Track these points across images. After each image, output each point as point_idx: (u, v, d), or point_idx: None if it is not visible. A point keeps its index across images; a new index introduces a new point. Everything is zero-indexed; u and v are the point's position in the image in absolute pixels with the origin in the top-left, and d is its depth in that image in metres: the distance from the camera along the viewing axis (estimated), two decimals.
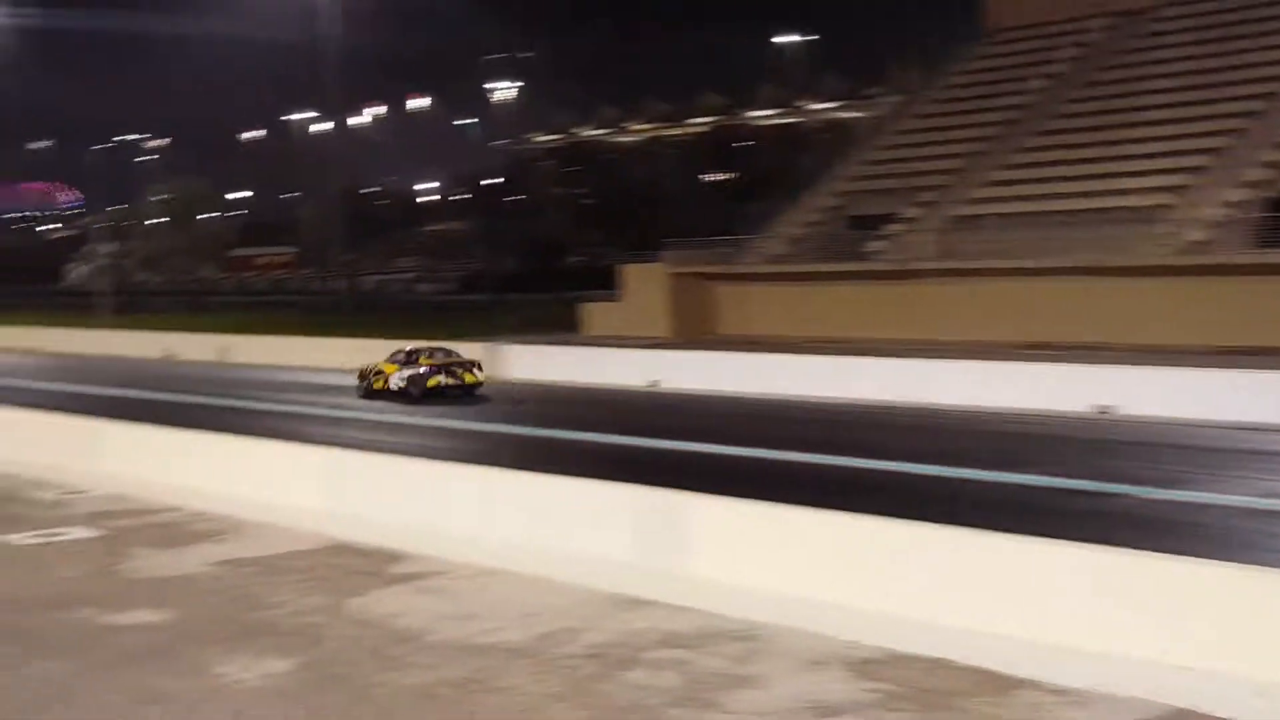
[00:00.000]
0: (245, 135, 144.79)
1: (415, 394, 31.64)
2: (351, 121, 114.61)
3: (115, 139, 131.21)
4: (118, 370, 41.50)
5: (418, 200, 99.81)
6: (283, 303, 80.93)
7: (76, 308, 68.93)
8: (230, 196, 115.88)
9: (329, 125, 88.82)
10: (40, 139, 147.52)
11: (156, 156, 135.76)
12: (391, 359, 32.93)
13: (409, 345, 33.58)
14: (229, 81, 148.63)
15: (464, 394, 31.84)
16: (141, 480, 18.23)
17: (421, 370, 32.10)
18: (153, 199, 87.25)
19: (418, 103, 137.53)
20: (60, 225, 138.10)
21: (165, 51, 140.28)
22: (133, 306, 74.88)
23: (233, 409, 30.27)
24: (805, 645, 10.63)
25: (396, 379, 32.31)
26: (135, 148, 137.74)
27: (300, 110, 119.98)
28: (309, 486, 16.67)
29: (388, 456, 17.62)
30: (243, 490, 17.08)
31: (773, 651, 10.54)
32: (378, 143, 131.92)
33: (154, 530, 15.83)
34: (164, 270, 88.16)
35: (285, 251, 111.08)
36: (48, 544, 15.19)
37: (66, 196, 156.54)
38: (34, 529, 15.93)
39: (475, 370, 32.52)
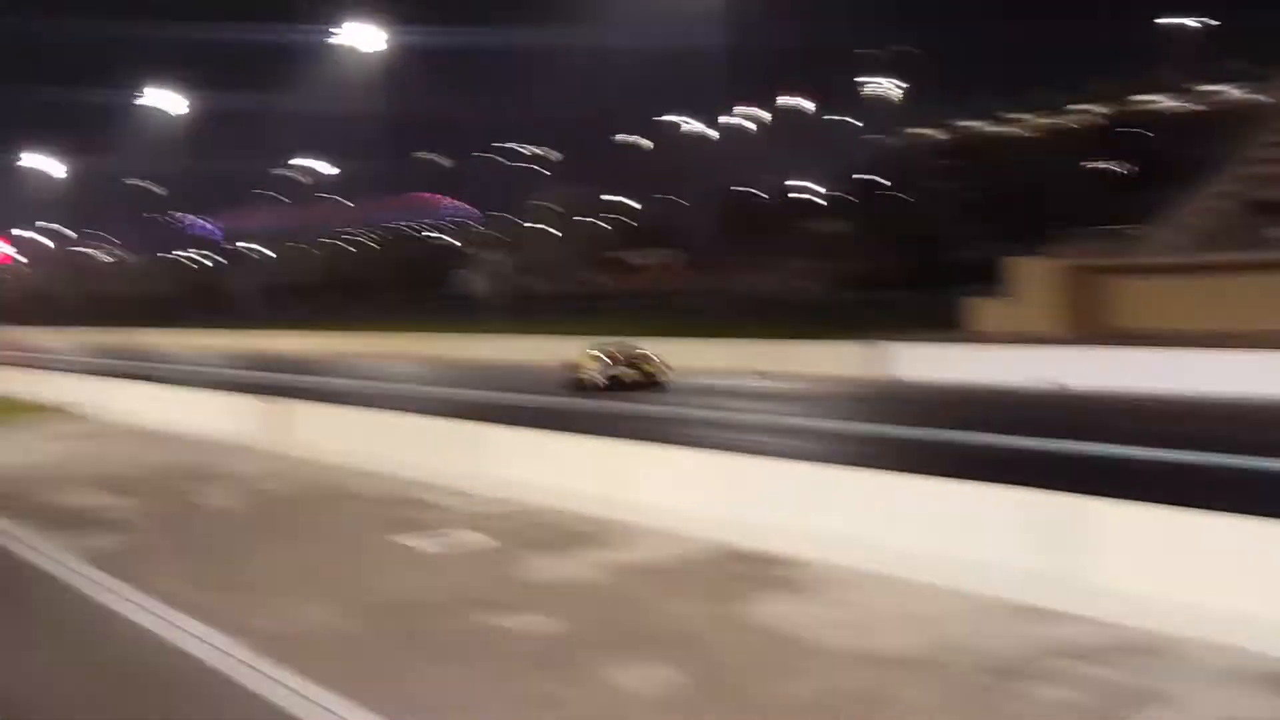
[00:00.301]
0: (626, 139, 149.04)
1: (605, 385, 35.22)
2: (730, 122, 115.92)
3: (500, 146, 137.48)
4: (510, 376, 42.92)
5: (796, 199, 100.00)
6: (664, 305, 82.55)
7: (465, 314, 72.16)
8: (612, 200, 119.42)
9: (708, 127, 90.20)
10: (429, 150, 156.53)
11: (540, 164, 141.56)
12: (590, 355, 36.55)
13: (604, 342, 37.35)
14: (611, 88, 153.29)
15: (650, 386, 35.06)
16: (528, 484, 18.58)
17: (609, 365, 35.70)
18: (537, 205, 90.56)
19: (795, 101, 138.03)
20: (449, 234, 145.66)
21: (547, 61, 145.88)
22: (520, 312, 77.97)
23: (620, 414, 30.64)
24: (1217, 658, 9.88)
25: (591, 373, 36.01)
26: (520, 156, 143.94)
27: (680, 113, 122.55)
28: (694, 490, 16.58)
29: (773, 460, 17.30)
30: (630, 495, 17.14)
31: (1183, 664, 9.84)
32: (756, 143, 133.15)
33: (542, 534, 16.08)
34: (549, 276, 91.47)
35: (667, 254, 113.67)
36: (443, 548, 15.62)
37: (455, 206, 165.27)
38: (424, 531, 16.44)
39: (659, 365, 35.74)
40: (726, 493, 16.22)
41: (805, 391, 34.09)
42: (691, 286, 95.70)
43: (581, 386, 35.89)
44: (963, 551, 13.05)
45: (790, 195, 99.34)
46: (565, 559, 14.65)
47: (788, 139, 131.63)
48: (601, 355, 36.45)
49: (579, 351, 37.31)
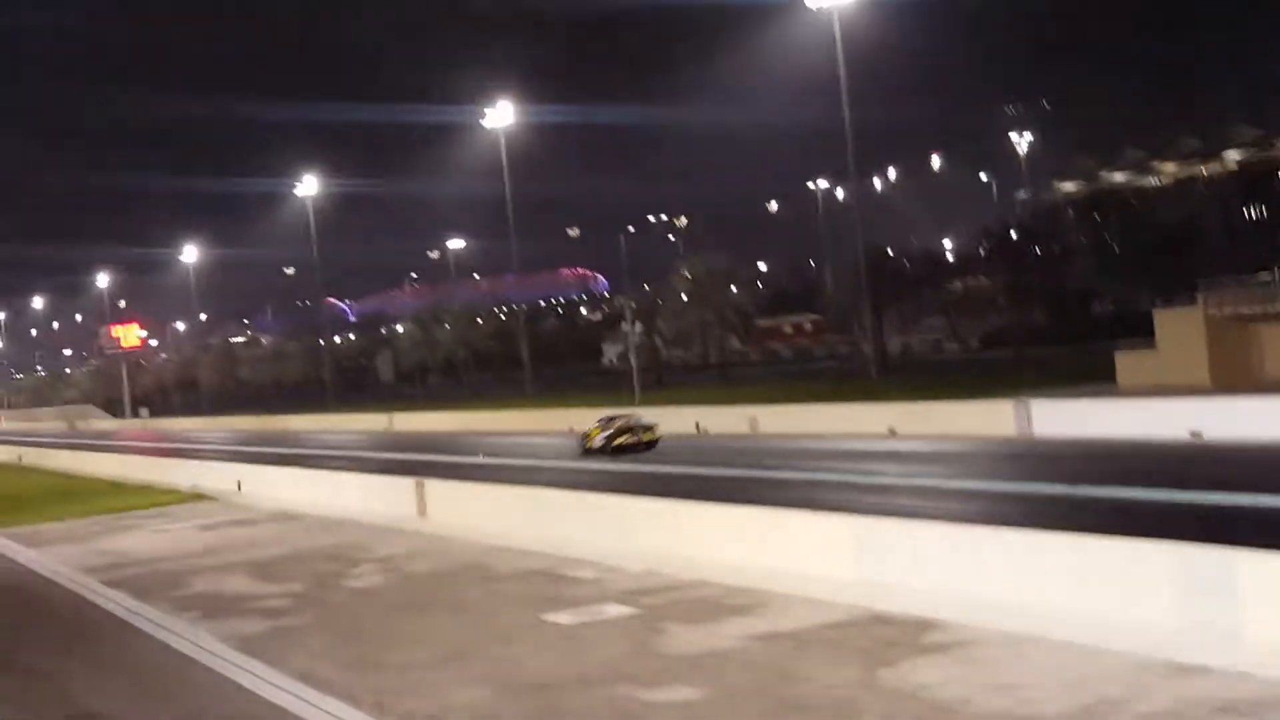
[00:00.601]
0: (766, 206, 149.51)
1: (608, 449, 40.22)
2: (870, 184, 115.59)
3: (637, 217, 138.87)
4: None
5: (939, 258, 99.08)
6: (809, 370, 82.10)
7: (612, 387, 72.40)
8: (753, 267, 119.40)
9: (848, 190, 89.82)
10: (567, 225, 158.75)
11: (677, 233, 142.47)
12: (596, 424, 42.03)
13: (605, 413, 43.72)
14: (746, 155, 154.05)
15: (644, 449, 40.29)
16: (674, 556, 18.43)
17: (611, 432, 40.96)
18: (678, 276, 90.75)
19: (932, 160, 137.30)
20: (587, 307, 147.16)
21: (683, 131, 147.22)
22: (665, 382, 78.04)
23: (763, 480, 30.46)
24: None
25: (599, 439, 41.11)
26: (661, 227, 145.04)
27: (819, 177, 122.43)
28: (838, 556, 16.33)
29: (915, 522, 17.00)
30: (773, 562, 16.93)
31: None
32: (897, 203, 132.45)
33: (687, 605, 15.88)
34: (691, 345, 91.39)
35: (809, 319, 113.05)
36: (586, 622, 15.52)
37: (593, 279, 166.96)
38: (573, 607, 16.34)
39: (652, 430, 41.12)
40: (869, 556, 15.97)
41: (946, 451, 33.55)
42: (832, 350, 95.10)
43: (589, 450, 40.97)
44: (1112, 608, 12.71)
45: (930, 254, 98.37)
46: (710, 629, 14.45)
47: (926, 198, 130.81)
48: (602, 422, 42.21)
49: (590, 422, 43.03)
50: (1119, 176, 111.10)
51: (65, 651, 16.88)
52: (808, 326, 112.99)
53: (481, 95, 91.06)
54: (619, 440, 40.60)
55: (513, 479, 32.14)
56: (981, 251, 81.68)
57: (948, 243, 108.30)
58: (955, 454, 33.07)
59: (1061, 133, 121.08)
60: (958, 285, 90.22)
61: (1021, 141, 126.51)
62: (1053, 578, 13.61)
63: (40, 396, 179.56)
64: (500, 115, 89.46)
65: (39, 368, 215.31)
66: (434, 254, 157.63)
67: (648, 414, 47.73)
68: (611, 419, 42.30)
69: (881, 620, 13.97)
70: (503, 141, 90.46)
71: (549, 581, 18.37)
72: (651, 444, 40.61)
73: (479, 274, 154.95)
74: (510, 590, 18.06)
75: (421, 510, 26.72)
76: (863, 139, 71.19)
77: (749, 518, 18.90)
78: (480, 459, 41.79)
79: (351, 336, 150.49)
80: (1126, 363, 45.28)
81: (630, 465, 37.04)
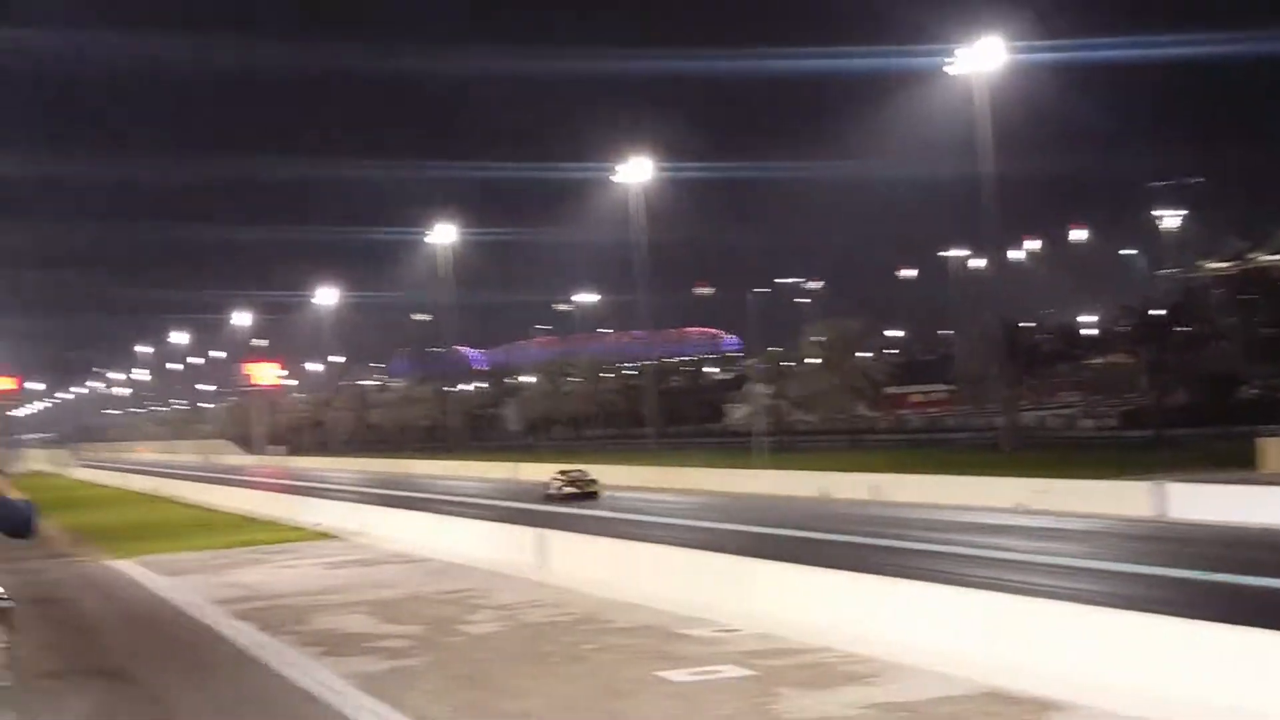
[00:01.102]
0: (899, 272, 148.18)
1: (557, 497, 50.19)
2: (1008, 254, 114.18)
3: (767, 277, 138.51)
4: (772, 509, 42.56)
5: (1078, 333, 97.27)
6: (939, 440, 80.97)
7: (736, 448, 72.19)
8: (881, 332, 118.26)
9: (984, 260, 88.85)
10: (697, 283, 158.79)
11: (808, 296, 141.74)
12: (555, 475, 52.85)
13: (561, 467, 54.56)
14: (882, 221, 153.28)
15: (587, 497, 50.05)
16: (792, 620, 18.25)
17: (560, 483, 51.66)
18: (808, 340, 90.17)
19: (1077, 233, 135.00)
20: (714, 366, 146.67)
21: (817, 193, 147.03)
22: (789, 446, 77.54)
23: (884, 548, 30.17)
24: None
25: (555, 488, 51.52)
26: (791, 290, 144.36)
27: (955, 246, 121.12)
28: (961, 629, 16.02)
29: (1043, 600, 16.65)
30: (892, 631, 16.68)
31: None
32: (1036, 275, 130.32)
33: (804, 671, 15.69)
34: (819, 410, 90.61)
35: (940, 389, 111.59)
36: (701, 681, 15.38)
37: (721, 337, 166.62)
38: (688, 665, 16.23)
39: (593, 483, 51.83)
40: (992, 631, 15.67)
41: (1076, 529, 32.86)
42: (963, 422, 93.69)
43: (550, 498, 50.40)
44: (1240, 700, 12.29)
45: (1067, 327, 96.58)
46: (825, 696, 14.26)
47: (1066, 271, 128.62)
48: (560, 476, 52.53)
49: (550, 474, 53.97)
50: (1270, 258, 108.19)
51: (193, 680, 17.23)
52: (939, 396, 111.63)
53: (615, 150, 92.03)
54: (567, 490, 51.08)
55: (630, 533, 32.25)
56: (1122, 328, 79.96)
57: (1086, 317, 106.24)
58: (1086, 532, 32.34)
59: (1209, 211, 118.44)
60: (1096, 361, 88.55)
61: (1168, 217, 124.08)
62: (1180, 665, 13.21)
63: (180, 429, 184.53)
64: (633, 170, 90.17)
65: (178, 402, 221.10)
66: (562, 306, 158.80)
67: (769, 476, 48.11)
68: (565, 472, 53.23)
69: (1001, 698, 13.65)
70: (635, 197, 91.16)
71: (664, 638, 18.27)
72: (593, 494, 50.99)
73: (607, 328, 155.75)
74: (625, 644, 18.00)
75: (541, 560, 26.82)
76: (1002, 207, 70.40)
77: (869, 585, 18.66)
78: (604, 513, 42.08)
79: (480, 384, 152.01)
80: (1269, 449, 44.04)
81: (749, 527, 36.90)
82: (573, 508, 46.04)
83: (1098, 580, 24.13)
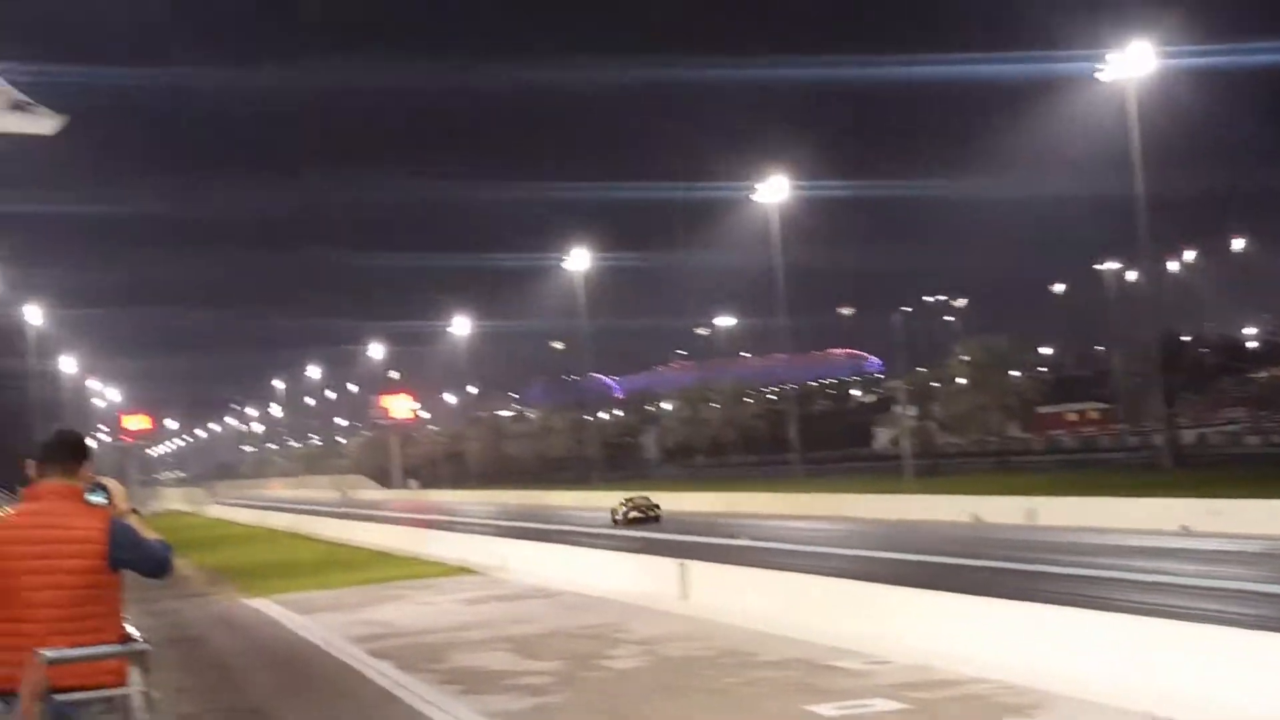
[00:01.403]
0: (1050, 287, 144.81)
1: (622, 522, 54.03)
2: (1164, 265, 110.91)
3: (911, 296, 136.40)
4: (922, 535, 41.61)
5: (1242, 346, 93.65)
6: (1095, 460, 78.66)
7: (883, 472, 70.92)
8: (1032, 350, 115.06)
9: (1140, 273, 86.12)
10: (839, 303, 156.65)
11: (954, 314, 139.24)
12: (619, 502, 56.54)
13: (627, 494, 58.38)
14: (1029, 235, 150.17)
15: (650, 521, 53.89)
16: (944, 650, 17.38)
17: (626, 508, 55.22)
18: (955, 359, 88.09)
19: (1237, 243, 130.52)
20: (858, 389, 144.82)
21: (962, 209, 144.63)
22: (937, 469, 75.87)
23: (1039, 574, 29.10)
24: None
25: (618, 514, 55.13)
26: (937, 307, 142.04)
27: (1107, 257, 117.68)
28: (1120, 658, 15.03)
29: (1210, 627, 15.60)
30: (1050, 662, 15.79)
31: None
32: (1195, 287, 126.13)
33: (960, 704, 14.85)
34: (968, 431, 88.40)
35: (1094, 406, 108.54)
36: (852, 716, 14.64)
37: (865, 359, 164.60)
38: (837, 699, 15.46)
39: (655, 508, 55.67)
40: (1154, 660, 14.74)
41: (1247, 551, 31.50)
42: (1119, 441, 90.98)
43: (614, 522, 54.06)
44: None
45: (1230, 340, 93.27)
46: None
47: (1224, 281, 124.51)
48: (626, 502, 55.95)
49: (616, 500, 57.43)
50: None
51: (331, 718, 16.99)
52: (1093, 415, 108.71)
53: (754, 169, 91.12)
54: (632, 515, 54.48)
55: (775, 563, 31.56)
56: None
57: (1250, 329, 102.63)
58: (1258, 554, 30.84)
59: None
60: (1261, 374, 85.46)
61: None
62: None
63: (314, 464, 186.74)
64: (772, 189, 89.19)
65: (313, 436, 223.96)
66: (702, 330, 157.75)
67: (917, 501, 47.27)
68: (630, 499, 56.56)
69: None
70: (774, 216, 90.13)
71: (812, 671, 17.50)
72: (656, 519, 54.41)
73: (747, 352, 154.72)
74: (771, 678, 17.29)
75: (683, 592, 26.19)
76: (1157, 217, 68.10)
77: (1024, 613, 17.85)
78: (739, 541, 41.43)
79: (618, 413, 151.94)
80: None
81: (897, 554, 35.91)
82: (650, 532, 48.73)
83: (1271, 605, 22.89)
